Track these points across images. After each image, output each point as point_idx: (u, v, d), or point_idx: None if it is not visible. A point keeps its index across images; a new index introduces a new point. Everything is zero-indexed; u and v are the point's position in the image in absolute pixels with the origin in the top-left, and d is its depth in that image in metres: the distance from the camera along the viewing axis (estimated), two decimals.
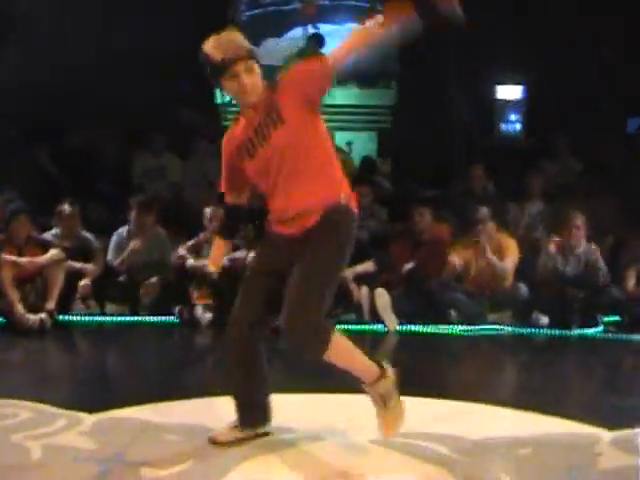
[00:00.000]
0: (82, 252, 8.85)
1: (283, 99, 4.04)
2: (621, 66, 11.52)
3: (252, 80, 4.06)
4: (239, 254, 8.61)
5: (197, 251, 8.72)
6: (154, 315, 8.59)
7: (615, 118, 11.86)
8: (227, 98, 12.18)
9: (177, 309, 8.47)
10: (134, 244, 8.90)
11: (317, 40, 12.50)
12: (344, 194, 4.14)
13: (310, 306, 3.97)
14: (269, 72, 12.08)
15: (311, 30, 13.30)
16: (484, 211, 8.71)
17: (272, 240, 4.27)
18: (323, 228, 4.08)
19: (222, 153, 4.32)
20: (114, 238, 9.07)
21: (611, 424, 4.79)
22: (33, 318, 8.04)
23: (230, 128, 4.32)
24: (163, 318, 8.52)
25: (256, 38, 13.25)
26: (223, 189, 4.44)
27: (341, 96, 12.31)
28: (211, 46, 4.03)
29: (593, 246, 8.68)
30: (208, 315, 8.36)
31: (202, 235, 8.79)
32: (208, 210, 8.76)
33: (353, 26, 3.98)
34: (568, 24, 11.55)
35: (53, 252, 8.38)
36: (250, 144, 4.12)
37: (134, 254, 8.89)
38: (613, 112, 11.62)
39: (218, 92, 12.19)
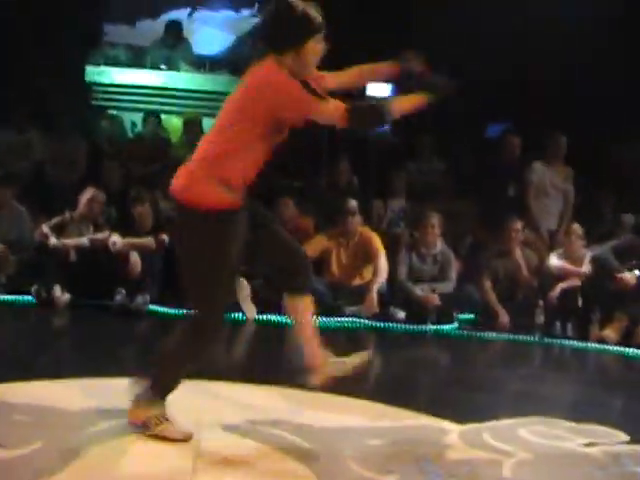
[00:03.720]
0: None
1: None
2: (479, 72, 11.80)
3: None
4: (100, 236, 8.54)
5: (60, 229, 8.56)
6: (10, 294, 8.40)
7: (475, 122, 12.13)
8: (98, 78, 12.03)
9: (34, 288, 8.31)
10: None
11: (175, 27, 12.45)
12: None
13: None
14: (140, 53, 11.92)
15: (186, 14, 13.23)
16: (353, 203, 8.79)
17: None
18: None
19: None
20: None
21: (460, 418, 4.92)
22: None
23: None
24: (20, 297, 8.35)
25: (131, 18, 13.12)
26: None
27: (212, 82, 12.26)
28: (307, 6, 4.14)
29: (449, 252, 8.86)
30: (66, 295, 8.24)
31: (68, 214, 8.65)
32: (90, 190, 8.67)
33: None
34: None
35: None
36: None
37: None
38: (472, 116, 11.86)
39: (89, 70, 11.98)
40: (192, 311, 4.24)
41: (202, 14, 13.41)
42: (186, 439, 4.22)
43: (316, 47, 4.17)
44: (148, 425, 4.25)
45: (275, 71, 4.08)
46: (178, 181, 4.17)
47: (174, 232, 4.45)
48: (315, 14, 4.14)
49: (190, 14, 13.24)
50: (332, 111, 4.10)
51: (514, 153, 10.25)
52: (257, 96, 4.07)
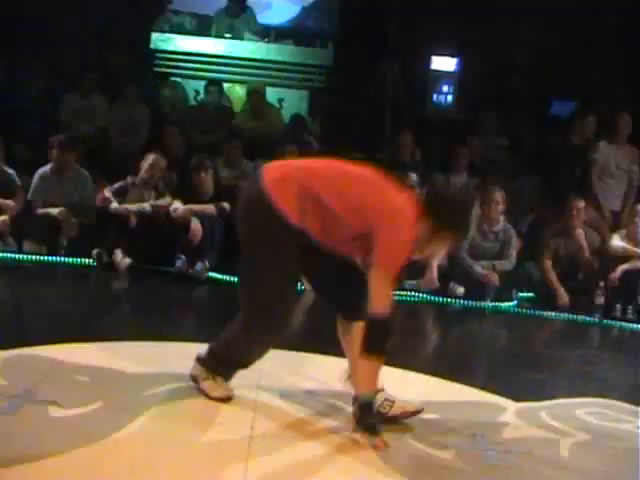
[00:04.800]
0: (3, 188, 8.70)
1: None
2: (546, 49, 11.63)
3: None
4: (162, 202, 8.59)
5: (122, 195, 8.62)
6: (72, 256, 8.48)
7: (539, 99, 12.02)
8: (162, 45, 12.08)
9: (95, 252, 8.38)
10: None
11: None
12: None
13: None
14: (204, 21, 11.87)
15: None
16: (413, 177, 8.74)
17: None
18: None
19: None
20: (36, 177, 8.93)
21: (517, 396, 4.90)
22: None
23: None
24: (81, 260, 8.42)
25: None
26: None
27: (276, 52, 12.25)
28: (468, 215, 4.36)
29: (511, 230, 8.78)
30: (127, 260, 8.30)
31: (130, 179, 8.71)
32: (151, 156, 8.73)
33: None
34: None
35: None
36: None
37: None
38: (536, 93, 11.76)
39: (154, 37, 12.02)
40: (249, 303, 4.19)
41: None
42: (223, 399, 4.27)
43: (444, 241, 4.23)
44: (196, 379, 4.35)
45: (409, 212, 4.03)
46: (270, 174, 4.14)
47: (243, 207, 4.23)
48: (468, 226, 4.23)
49: None
50: (384, 294, 3.97)
51: (590, 132, 10.10)
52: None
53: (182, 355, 4.55)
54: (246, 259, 4.18)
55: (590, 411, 4.84)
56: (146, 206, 8.56)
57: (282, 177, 4.11)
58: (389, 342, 3.99)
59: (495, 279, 8.49)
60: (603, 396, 5.17)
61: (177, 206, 8.48)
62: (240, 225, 4.19)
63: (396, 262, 3.98)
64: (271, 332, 4.19)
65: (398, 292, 8.28)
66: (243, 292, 4.20)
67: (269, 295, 4.10)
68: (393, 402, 4.25)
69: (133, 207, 8.53)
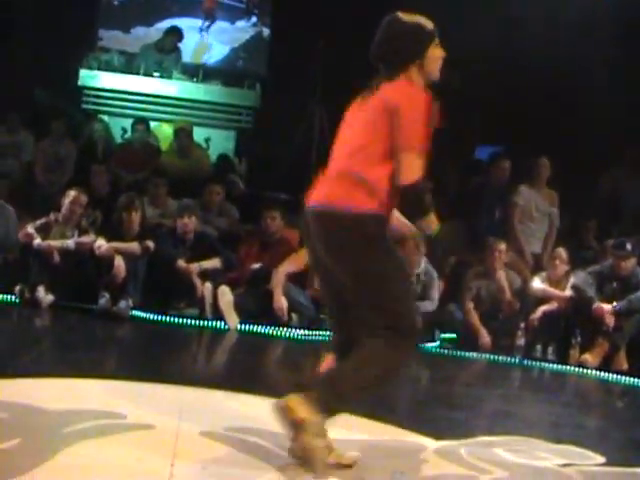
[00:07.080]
0: None
1: None
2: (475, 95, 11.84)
3: None
4: (85, 239, 8.54)
5: (46, 231, 8.56)
6: None
7: (463, 143, 12.20)
8: (90, 82, 12.06)
9: (18, 288, 8.31)
10: None
11: (176, 34, 12.49)
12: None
13: None
14: (133, 59, 11.91)
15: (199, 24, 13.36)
16: None
17: None
18: None
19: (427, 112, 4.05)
20: None
21: (438, 434, 4.94)
22: None
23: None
24: (3, 296, 8.32)
25: (126, 24, 13.18)
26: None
27: (204, 92, 12.31)
28: (417, 17, 4.15)
29: (433, 272, 8.87)
30: (49, 297, 8.24)
31: (53, 215, 8.66)
32: (72, 192, 8.66)
33: None
34: None
35: None
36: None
37: None
38: (461, 136, 11.94)
39: (82, 74, 12.00)
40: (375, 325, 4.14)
41: (197, 24, 13.47)
42: (353, 464, 4.18)
43: (435, 53, 4.16)
44: (310, 458, 4.05)
45: (409, 86, 4.08)
46: (320, 191, 4.29)
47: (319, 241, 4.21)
48: (426, 22, 4.14)
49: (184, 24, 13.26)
50: (416, 163, 4.09)
51: (504, 176, 10.31)
52: (393, 111, 4.04)
53: (103, 392, 4.52)
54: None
55: (509, 449, 4.88)
56: (69, 243, 8.51)
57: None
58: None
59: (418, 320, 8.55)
60: (522, 434, 5.23)
61: (101, 243, 8.44)
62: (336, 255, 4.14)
63: (422, 131, 4.02)
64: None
65: (321, 332, 8.32)
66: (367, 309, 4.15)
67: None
68: (331, 450, 4.16)
69: (56, 243, 8.48)
